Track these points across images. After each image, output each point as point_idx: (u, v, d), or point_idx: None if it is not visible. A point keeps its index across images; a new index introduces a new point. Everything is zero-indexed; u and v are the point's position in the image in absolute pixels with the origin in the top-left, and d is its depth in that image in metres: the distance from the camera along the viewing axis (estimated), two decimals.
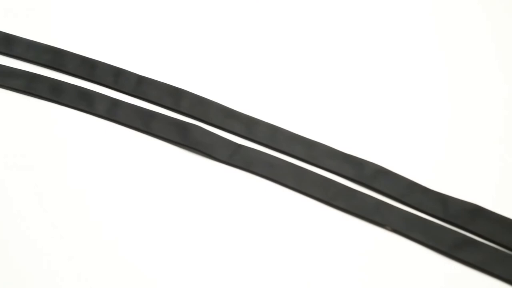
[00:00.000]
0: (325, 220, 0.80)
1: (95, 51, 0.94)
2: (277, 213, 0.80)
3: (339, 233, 0.79)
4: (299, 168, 0.84)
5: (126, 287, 0.74)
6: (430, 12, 1.00)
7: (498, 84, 0.92)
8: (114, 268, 0.75)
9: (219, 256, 0.77)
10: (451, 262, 0.76)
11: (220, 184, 0.83)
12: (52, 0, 1.00)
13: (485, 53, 0.96)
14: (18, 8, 0.99)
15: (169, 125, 0.88)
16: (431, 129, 0.88)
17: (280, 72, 0.94)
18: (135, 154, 0.85)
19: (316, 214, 0.80)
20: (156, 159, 0.85)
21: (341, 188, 0.82)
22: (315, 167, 0.85)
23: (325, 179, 0.83)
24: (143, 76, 0.92)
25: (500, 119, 0.89)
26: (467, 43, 0.97)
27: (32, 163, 0.83)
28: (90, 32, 0.97)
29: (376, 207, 0.80)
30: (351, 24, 0.99)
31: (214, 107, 0.89)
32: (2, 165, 0.82)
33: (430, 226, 0.79)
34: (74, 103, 0.89)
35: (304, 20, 1.00)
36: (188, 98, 0.90)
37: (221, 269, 0.76)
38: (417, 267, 0.76)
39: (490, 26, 0.98)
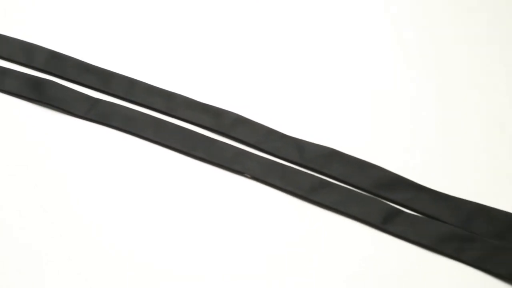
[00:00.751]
0: (186, 171, 0.78)
1: None
2: (137, 166, 0.78)
3: (200, 182, 0.77)
4: (157, 119, 0.82)
5: None
6: None
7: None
8: None
9: (77, 209, 0.74)
10: (308, 205, 0.76)
11: (79, 139, 0.80)
12: None
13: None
14: None
15: (23, 81, 0.83)
16: (286, 77, 0.87)
17: (134, 23, 0.91)
18: None
19: (176, 165, 0.79)
20: (9, 116, 0.80)
21: (200, 138, 0.81)
22: (173, 118, 0.83)
23: (184, 130, 0.81)
24: None
25: (349, 65, 0.89)
26: None
27: None
28: None
29: (235, 155, 0.79)
30: None
31: (70, 62, 0.86)
32: None
33: (288, 171, 0.78)
34: None
35: None
36: (42, 54, 0.86)
37: (80, 217, 0.73)
38: (276, 211, 0.75)
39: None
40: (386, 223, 0.73)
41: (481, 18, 0.95)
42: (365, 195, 0.76)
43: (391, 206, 0.75)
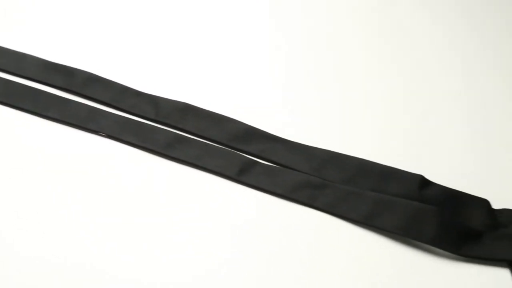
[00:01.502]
0: (39, 131, 0.75)
1: None
2: None
3: (54, 142, 0.74)
4: (6, 81, 0.79)
5: None
6: None
7: None
8: None
9: None
10: (165, 161, 0.73)
11: None
12: None
13: None
14: None
15: None
16: (137, 33, 0.86)
17: None
18: None
19: (29, 126, 0.75)
20: None
21: (53, 98, 0.78)
22: (24, 79, 0.79)
23: (35, 91, 0.78)
24: None
25: (200, 17, 0.88)
26: None
27: None
28: None
29: (89, 114, 0.77)
30: None
31: None
32: None
33: (143, 128, 0.76)
34: None
35: None
36: None
37: None
38: (133, 168, 0.72)
39: None
40: (242, 174, 0.72)
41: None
42: (220, 148, 0.75)
43: (247, 157, 0.74)
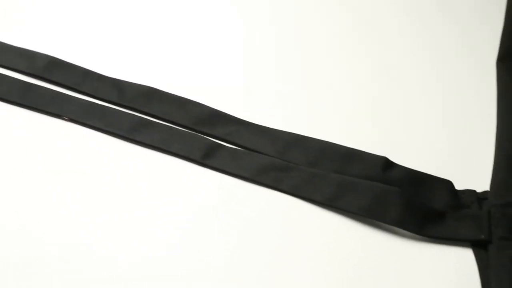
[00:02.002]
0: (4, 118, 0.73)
1: None
2: None
3: (16, 128, 0.72)
4: None
5: None
6: None
7: None
8: None
9: None
10: (130, 145, 0.72)
11: None
12: None
13: None
14: None
15: None
16: (100, 17, 0.84)
17: None
18: None
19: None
20: None
21: (14, 83, 0.76)
22: None
23: None
24: None
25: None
26: None
27: None
28: None
29: (51, 98, 0.75)
30: None
31: None
32: None
33: (107, 112, 0.75)
34: None
35: None
36: None
37: None
38: (97, 153, 0.71)
39: None
40: (207, 158, 0.71)
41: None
42: (185, 131, 0.74)
43: (212, 141, 0.73)
